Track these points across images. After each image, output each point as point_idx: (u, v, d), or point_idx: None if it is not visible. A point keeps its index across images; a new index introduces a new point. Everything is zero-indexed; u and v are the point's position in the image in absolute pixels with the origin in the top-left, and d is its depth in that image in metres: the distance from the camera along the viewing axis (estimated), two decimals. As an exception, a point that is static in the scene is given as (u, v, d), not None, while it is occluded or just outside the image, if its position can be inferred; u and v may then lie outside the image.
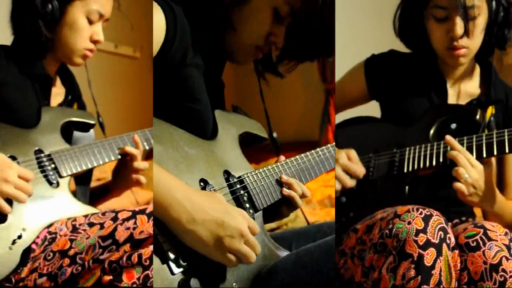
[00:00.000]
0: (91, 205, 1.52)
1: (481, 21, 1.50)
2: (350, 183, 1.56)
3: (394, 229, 1.26)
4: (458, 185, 1.39)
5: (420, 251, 1.22)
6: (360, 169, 1.57)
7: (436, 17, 1.52)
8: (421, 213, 1.26)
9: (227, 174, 1.26)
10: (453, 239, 1.28)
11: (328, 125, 4.48)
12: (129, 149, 1.59)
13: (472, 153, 1.44)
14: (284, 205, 1.35)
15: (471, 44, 1.52)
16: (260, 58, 1.37)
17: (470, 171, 1.39)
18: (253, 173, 1.30)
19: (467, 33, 1.48)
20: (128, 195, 1.70)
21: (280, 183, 1.34)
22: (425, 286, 1.21)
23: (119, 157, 1.60)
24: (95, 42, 1.54)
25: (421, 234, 1.23)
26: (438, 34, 1.54)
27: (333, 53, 1.34)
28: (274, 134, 1.48)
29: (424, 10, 1.56)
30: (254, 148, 1.41)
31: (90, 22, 1.51)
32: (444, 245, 1.24)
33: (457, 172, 1.40)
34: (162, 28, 1.16)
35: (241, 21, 1.27)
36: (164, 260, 1.08)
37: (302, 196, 1.35)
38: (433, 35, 1.56)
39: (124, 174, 1.62)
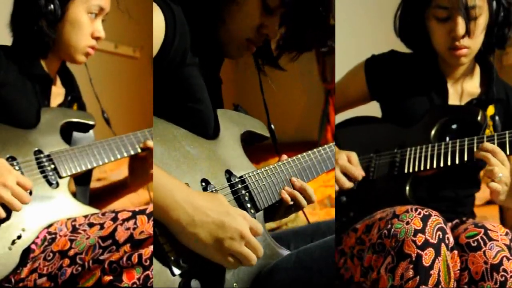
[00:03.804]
0: (108, 201, 1.52)
1: (482, 21, 1.50)
2: (348, 185, 1.56)
3: (392, 229, 1.26)
4: (494, 185, 1.39)
5: (419, 251, 1.21)
6: (358, 172, 1.56)
7: (438, 17, 1.52)
8: (419, 213, 1.26)
9: (229, 173, 1.25)
10: (451, 239, 1.28)
11: (328, 125, 4.48)
12: (151, 143, 1.59)
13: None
14: (285, 205, 1.33)
15: (473, 44, 1.52)
16: (260, 52, 1.35)
17: (502, 170, 1.39)
18: (254, 173, 1.29)
19: (468, 33, 1.48)
20: (141, 192, 1.70)
21: (282, 182, 1.33)
22: (423, 286, 1.21)
23: (118, 157, 1.60)
24: (96, 38, 1.54)
25: (419, 234, 1.22)
26: (440, 34, 1.54)
27: (332, 41, 1.32)
28: (272, 126, 1.45)
29: (425, 10, 1.56)
30: (254, 148, 1.40)
31: (91, 17, 1.51)
32: (443, 245, 1.24)
33: (492, 172, 1.39)
34: (161, 29, 1.16)
35: (231, 14, 1.25)
36: (165, 261, 1.08)
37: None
38: (435, 35, 1.56)
39: (143, 170, 1.63)
